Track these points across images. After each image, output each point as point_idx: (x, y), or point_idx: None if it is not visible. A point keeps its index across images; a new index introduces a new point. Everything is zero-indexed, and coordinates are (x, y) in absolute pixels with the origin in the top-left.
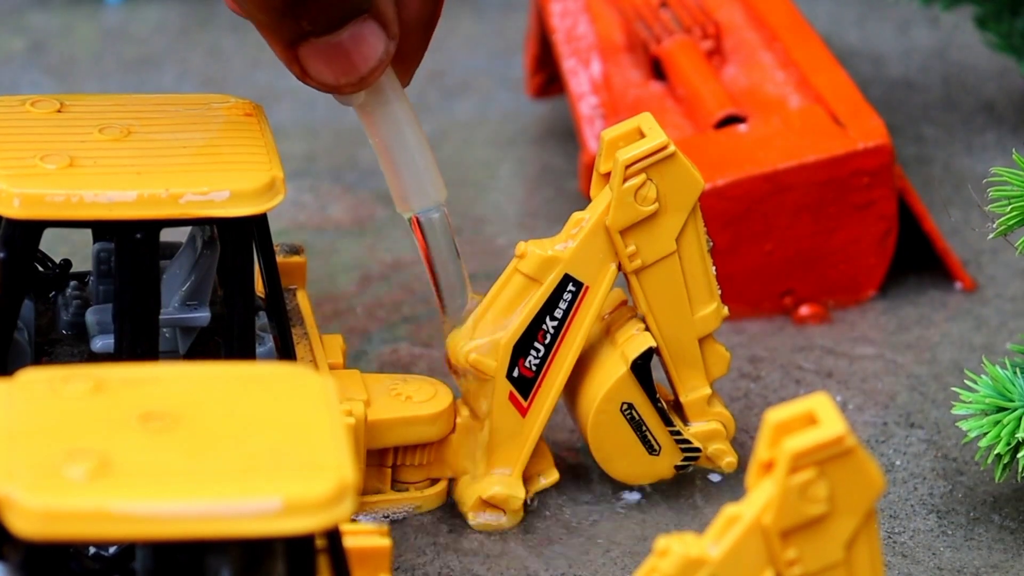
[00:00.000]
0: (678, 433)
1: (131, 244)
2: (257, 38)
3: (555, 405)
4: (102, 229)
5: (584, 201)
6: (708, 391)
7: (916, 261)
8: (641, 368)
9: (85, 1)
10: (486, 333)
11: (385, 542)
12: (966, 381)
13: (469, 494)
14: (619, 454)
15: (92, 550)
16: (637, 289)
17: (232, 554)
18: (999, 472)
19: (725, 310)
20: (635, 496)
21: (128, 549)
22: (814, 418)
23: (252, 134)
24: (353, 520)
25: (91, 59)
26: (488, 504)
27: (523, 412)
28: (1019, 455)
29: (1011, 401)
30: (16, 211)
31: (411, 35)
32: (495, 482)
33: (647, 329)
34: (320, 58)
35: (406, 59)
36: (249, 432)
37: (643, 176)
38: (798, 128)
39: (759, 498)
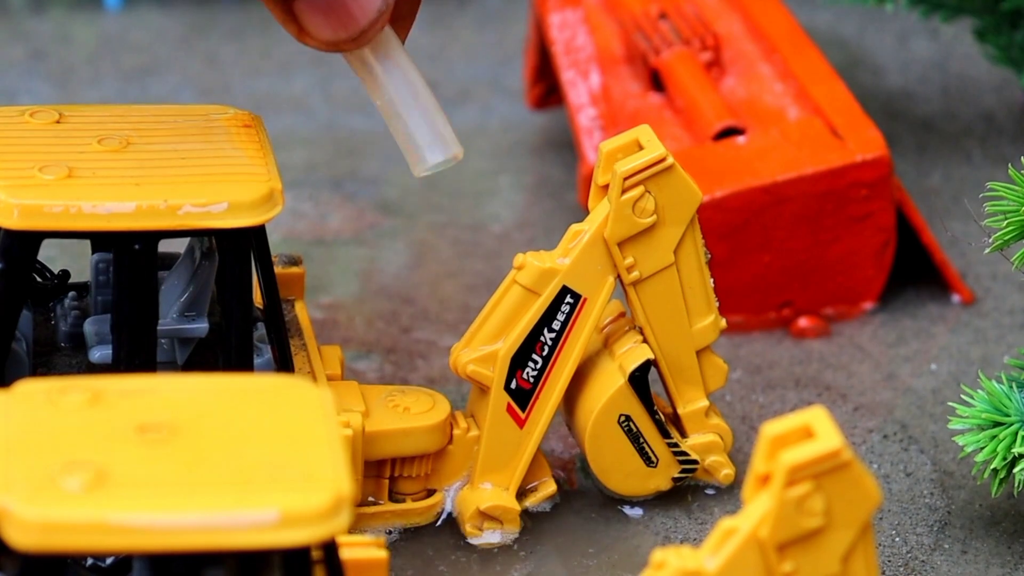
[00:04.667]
0: (676, 445)
1: (129, 255)
2: (257, 46)
3: (553, 417)
4: (101, 240)
5: (583, 213)
6: (706, 403)
7: (914, 273)
8: (639, 380)
9: (84, 8)
10: (484, 344)
11: (382, 554)
12: (963, 396)
13: (467, 506)
14: (617, 466)
15: (89, 561)
16: (635, 301)
17: (228, 566)
18: (995, 487)
19: (723, 322)
20: (632, 509)
21: (125, 560)
22: (811, 431)
23: (251, 145)
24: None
25: (90, 67)
26: (485, 516)
27: (520, 424)
28: (1015, 470)
29: (1007, 416)
30: (15, 221)
31: None
32: (492, 494)
33: (645, 341)
34: (317, 12)
35: (400, 17)
36: (246, 444)
37: (641, 188)
38: (796, 140)
39: (756, 511)
